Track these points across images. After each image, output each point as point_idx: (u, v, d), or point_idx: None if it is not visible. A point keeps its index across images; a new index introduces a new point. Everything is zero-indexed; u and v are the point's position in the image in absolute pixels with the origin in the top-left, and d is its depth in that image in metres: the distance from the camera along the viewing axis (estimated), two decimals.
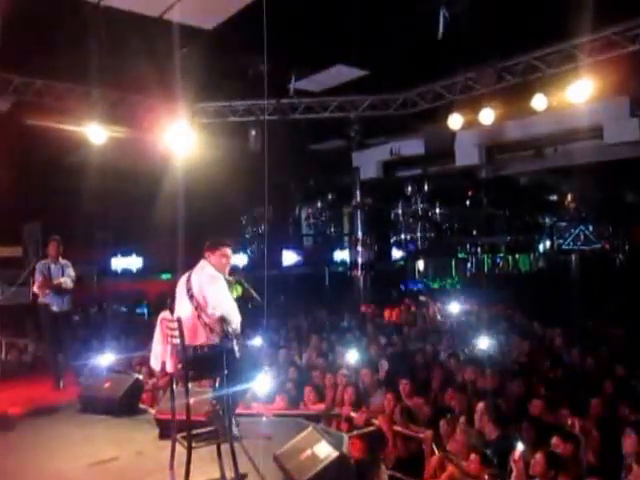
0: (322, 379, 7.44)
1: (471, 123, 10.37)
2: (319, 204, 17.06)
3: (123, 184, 13.69)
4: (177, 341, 4.19)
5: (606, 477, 4.48)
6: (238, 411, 4.75)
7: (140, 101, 10.79)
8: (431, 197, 15.18)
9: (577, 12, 7.36)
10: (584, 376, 6.97)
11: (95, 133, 9.98)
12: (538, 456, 4.48)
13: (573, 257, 16.34)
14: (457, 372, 7.38)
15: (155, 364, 4.51)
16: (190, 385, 4.30)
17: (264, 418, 5.94)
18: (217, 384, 4.41)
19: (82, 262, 10.40)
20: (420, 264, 20.03)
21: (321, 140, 14.50)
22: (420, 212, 15.07)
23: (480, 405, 5.69)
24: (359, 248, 14.00)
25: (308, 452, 4.29)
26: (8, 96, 9.72)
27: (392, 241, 16.28)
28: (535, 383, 6.68)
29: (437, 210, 15.29)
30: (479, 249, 18.62)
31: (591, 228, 15.95)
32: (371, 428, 5.99)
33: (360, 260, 13.98)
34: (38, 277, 7.38)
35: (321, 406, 6.84)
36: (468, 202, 16.83)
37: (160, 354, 4.42)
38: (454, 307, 11.66)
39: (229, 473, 4.27)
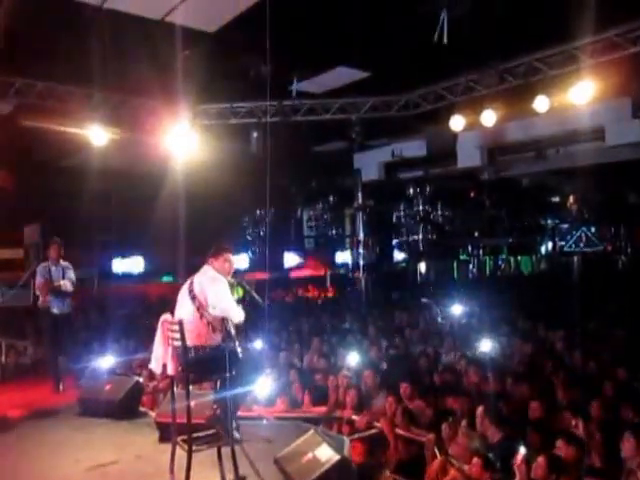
0: (324, 382, 7.41)
1: (473, 125, 10.36)
2: (321, 206, 17.06)
3: (124, 186, 13.71)
4: (178, 343, 4.18)
5: None
6: (239, 414, 4.74)
7: (142, 103, 10.79)
8: (433, 199, 15.17)
9: (579, 13, 7.35)
10: (586, 378, 6.93)
11: (97, 135, 9.98)
12: (540, 459, 4.45)
13: (575, 259, 16.30)
14: (461, 374, 7.35)
15: (156, 367, 4.50)
16: (191, 388, 4.29)
17: (265, 421, 5.93)
18: (218, 387, 4.41)
19: (83, 264, 10.41)
20: (422, 266, 19.99)
21: (323, 142, 14.50)
22: (422, 214, 15.05)
23: (480, 408, 5.67)
24: (361, 250, 13.98)
25: (309, 455, 4.27)
26: (10, 98, 9.73)
27: (394, 243, 16.26)
28: (537, 386, 6.65)
29: (439, 212, 15.27)
30: (481, 251, 18.57)
31: (593, 230, 15.90)
32: (373, 431, 5.97)
33: (362, 262, 13.96)
34: (39, 279, 7.38)
35: (322, 409, 6.81)
36: (470, 204, 16.80)
37: (161, 356, 4.41)
38: (456, 309, 11.62)
39: (230, 476, 4.25)
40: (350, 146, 13.74)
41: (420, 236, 15.19)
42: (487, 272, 19.38)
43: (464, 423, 5.54)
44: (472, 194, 16.65)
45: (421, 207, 15.06)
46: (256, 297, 4.62)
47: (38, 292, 7.36)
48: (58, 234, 7.89)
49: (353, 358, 7.99)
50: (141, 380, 6.81)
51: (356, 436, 5.77)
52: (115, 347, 8.88)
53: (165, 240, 13.59)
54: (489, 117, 9.71)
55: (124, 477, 4.61)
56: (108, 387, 6.37)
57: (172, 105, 10.17)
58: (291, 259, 18.63)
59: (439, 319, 11.25)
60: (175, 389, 4.56)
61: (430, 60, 8.97)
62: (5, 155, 9.16)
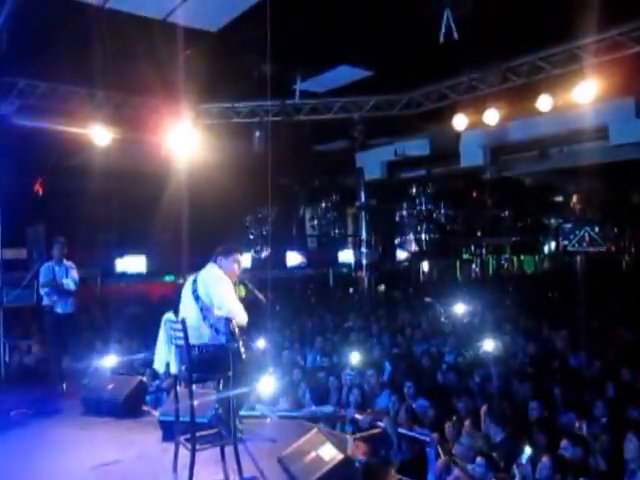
0: (327, 380, 7.41)
1: (476, 124, 10.34)
2: (323, 205, 17.04)
3: (127, 186, 13.72)
4: (181, 342, 4.18)
5: None
6: (242, 413, 4.74)
7: (144, 103, 10.79)
8: (435, 198, 15.14)
9: (582, 12, 7.32)
10: (590, 379, 6.92)
11: (99, 135, 9.99)
12: (544, 460, 4.44)
13: (578, 259, 16.27)
14: (464, 374, 7.34)
15: (159, 366, 4.51)
16: (194, 387, 4.29)
17: (268, 420, 5.93)
18: (221, 386, 4.41)
19: (86, 264, 10.42)
20: (424, 265, 19.98)
21: (325, 141, 14.49)
22: (424, 213, 15.02)
23: (483, 408, 5.67)
24: (363, 249, 13.97)
25: (313, 454, 4.28)
26: (13, 99, 9.74)
27: (396, 242, 16.24)
28: (540, 386, 6.63)
29: (442, 211, 15.24)
30: (484, 250, 18.57)
31: (597, 229, 15.85)
32: (376, 430, 5.96)
33: (364, 261, 13.94)
34: (42, 279, 7.41)
35: (325, 408, 6.81)
36: (473, 203, 16.77)
37: (164, 355, 4.41)
38: (459, 308, 11.61)
39: (233, 476, 4.25)
40: (353, 145, 13.73)
41: (423, 235, 15.16)
42: (490, 271, 19.38)
43: (468, 423, 5.53)
44: (475, 193, 16.62)
45: (424, 206, 15.03)
46: (259, 295, 4.62)
47: (42, 292, 7.38)
48: (61, 234, 7.92)
49: (356, 357, 7.99)
50: (144, 379, 6.82)
51: (359, 435, 5.76)
52: (118, 346, 8.89)
53: (167, 239, 13.59)
54: (492, 116, 9.70)
55: (127, 476, 4.62)
56: (111, 386, 6.38)
57: (174, 105, 10.17)
58: (294, 258, 18.63)
59: (442, 318, 11.24)
60: (178, 388, 4.56)
61: (433, 59, 8.95)
62: (8, 156, 9.16)
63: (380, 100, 11.59)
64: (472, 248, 18.65)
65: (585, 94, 8.54)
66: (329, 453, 4.21)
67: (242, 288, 4.54)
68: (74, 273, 7.50)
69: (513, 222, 17.37)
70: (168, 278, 15.93)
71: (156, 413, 5.97)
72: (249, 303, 4.51)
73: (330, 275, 19.01)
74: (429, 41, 7.65)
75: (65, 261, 7.53)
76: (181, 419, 4.37)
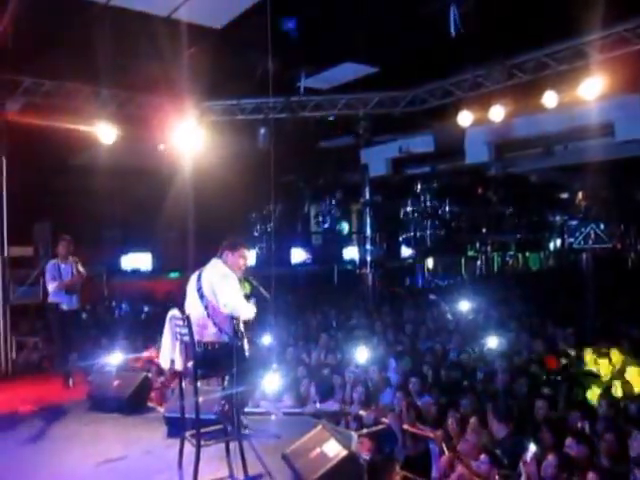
0: (331, 377, 7.42)
1: (481, 120, 10.30)
2: (328, 202, 17.03)
3: (132, 183, 13.75)
4: (186, 339, 4.19)
5: None
6: (247, 410, 4.76)
7: (148, 100, 10.80)
8: (440, 195, 15.10)
9: (588, 8, 7.29)
10: (595, 376, 6.90)
11: (104, 133, 10.01)
12: (550, 458, 4.43)
13: (584, 256, 16.20)
14: (469, 371, 7.34)
15: (164, 362, 4.52)
16: (199, 383, 4.31)
17: (273, 417, 5.94)
18: (226, 382, 4.42)
19: (92, 262, 10.45)
20: (429, 262, 19.95)
21: (330, 138, 14.47)
22: (429, 210, 14.98)
23: (488, 405, 5.66)
24: (368, 246, 13.95)
25: (317, 451, 4.28)
26: (18, 97, 9.77)
27: (401, 239, 16.22)
28: (545, 383, 6.62)
29: (446, 208, 15.19)
30: (489, 247, 18.51)
31: (602, 227, 15.77)
32: (380, 427, 5.97)
33: (369, 258, 13.93)
34: (48, 277, 7.45)
35: (330, 404, 6.82)
36: (478, 200, 16.73)
37: (169, 352, 4.43)
38: (463, 305, 11.60)
39: (238, 471, 4.27)
40: (357, 142, 13.71)
41: (428, 232, 15.13)
42: (495, 268, 19.33)
43: (473, 420, 5.53)
44: (480, 190, 16.57)
45: (429, 203, 14.99)
46: (264, 292, 4.63)
47: (49, 289, 7.43)
48: (67, 231, 7.95)
49: (360, 354, 7.99)
50: (149, 376, 6.85)
51: (364, 431, 5.77)
52: (123, 343, 8.92)
53: (172, 237, 13.64)
54: (497, 113, 9.66)
55: (133, 472, 4.64)
56: (117, 383, 6.41)
57: (179, 102, 10.18)
58: (298, 255, 18.64)
59: (448, 315, 11.22)
60: (183, 384, 4.58)
61: (438, 55, 8.93)
62: (14, 154, 9.20)
63: (385, 97, 11.57)
64: (477, 245, 18.59)
65: (591, 90, 8.50)
66: (333, 449, 4.21)
67: (247, 285, 4.53)
68: (80, 267, 7.55)
69: (518, 219, 17.31)
70: (173, 275, 15.97)
71: (161, 409, 6.00)
72: (254, 299, 4.51)
73: (335, 272, 19.01)
74: (434, 38, 7.64)
75: (71, 258, 7.56)
76: (186, 415, 4.39)
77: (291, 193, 17.20)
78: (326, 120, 11.89)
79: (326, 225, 16.80)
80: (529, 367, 7.29)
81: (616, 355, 6.89)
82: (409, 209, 15.34)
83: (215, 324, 4.27)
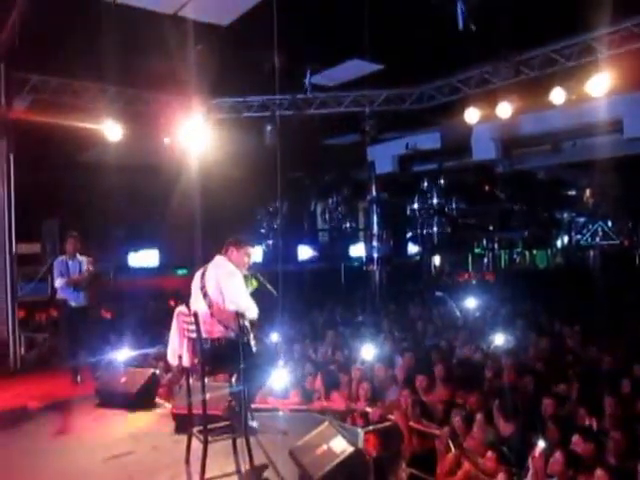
0: (338, 374, 7.43)
1: (488, 117, 10.28)
2: (335, 199, 17.03)
3: (140, 181, 13.79)
4: (194, 335, 4.21)
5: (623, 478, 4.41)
6: (254, 406, 4.77)
7: (155, 98, 10.84)
8: (447, 192, 15.07)
9: (596, 4, 7.25)
10: (602, 374, 6.88)
11: (111, 130, 10.05)
12: (557, 455, 4.42)
13: (592, 253, 16.14)
14: (476, 368, 7.33)
15: (172, 358, 4.54)
16: (206, 380, 4.32)
17: (280, 413, 5.96)
18: (233, 379, 4.44)
19: (99, 259, 10.49)
20: (436, 259, 19.91)
21: (336, 135, 14.47)
22: (436, 207, 14.96)
23: (495, 402, 5.65)
24: (375, 243, 13.95)
25: (324, 447, 4.29)
26: (26, 95, 9.82)
27: (408, 236, 16.20)
28: (552, 381, 6.60)
29: (453, 205, 15.17)
30: (496, 244, 18.45)
31: (610, 224, 15.71)
32: (386, 424, 5.98)
33: (376, 255, 13.93)
34: (56, 273, 7.50)
35: (337, 401, 6.83)
36: (485, 197, 16.68)
37: (177, 348, 4.44)
38: (470, 303, 11.58)
39: (245, 467, 4.28)
40: (364, 139, 13.70)
41: (434, 229, 15.11)
42: (502, 266, 19.26)
43: (479, 417, 5.53)
44: (487, 187, 16.52)
45: (435, 200, 14.97)
46: (270, 288, 4.63)
47: (57, 285, 7.47)
48: (75, 228, 7.99)
49: (367, 351, 8.00)
50: (157, 372, 6.88)
51: (370, 428, 5.78)
52: (131, 340, 8.96)
53: (180, 234, 13.66)
54: (504, 109, 9.63)
55: (141, 467, 4.66)
56: (125, 379, 6.43)
57: (185, 99, 10.21)
58: (305, 252, 18.65)
59: (457, 312, 11.19)
60: (191, 381, 4.60)
61: (444, 52, 8.90)
62: (22, 151, 9.26)
63: (391, 94, 11.55)
64: (484, 242, 18.53)
65: (599, 87, 8.45)
66: (340, 446, 4.22)
67: (253, 281, 4.54)
68: (88, 265, 7.59)
69: (525, 216, 17.24)
70: (180, 272, 16.01)
71: (169, 405, 6.03)
72: (260, 296, 4.52)
73: (342, 269, 19.01)
74: (441, 34, 7.62)
75: (78, 255, 7.60)
76: (194, 412, 4.40)
77: (298, 190, 17.21)
78: (332, 117, 11.88)
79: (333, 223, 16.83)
80: (535, 365, 7.28)
81: None
82: (416, 206, 15.34)
83: (220, 322, 4.28)
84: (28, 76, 9.69)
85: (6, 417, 5.91)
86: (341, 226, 17.53)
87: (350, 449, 4.16)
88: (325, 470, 4.06)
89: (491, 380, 6.87)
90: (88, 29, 7.73)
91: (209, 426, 4.24)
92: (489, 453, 4.83)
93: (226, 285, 4.29)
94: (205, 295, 4.32)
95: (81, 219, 11.15)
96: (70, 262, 7.51)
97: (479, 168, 14.45)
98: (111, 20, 7.62)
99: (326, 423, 4.68)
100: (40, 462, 4.79)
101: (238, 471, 4.32)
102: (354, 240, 18.37)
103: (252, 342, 4.29)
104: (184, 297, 4.65)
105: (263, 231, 17.40)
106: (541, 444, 4.58)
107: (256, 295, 4.49)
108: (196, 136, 10.26)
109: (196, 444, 4.31)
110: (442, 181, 14.95)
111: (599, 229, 15.77)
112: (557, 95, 9.01)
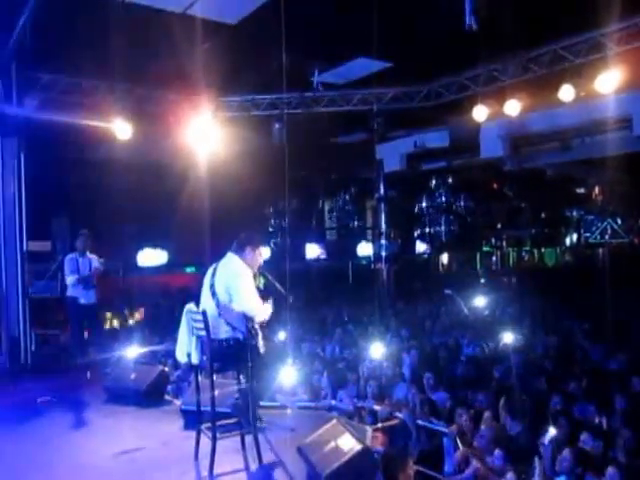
0: (346, 372, 7.45)
1: (496, 115, 10.23)
2: (342, 197, 17.02)
3: (148, 179, 13.84)
4: (202, 333, 4.23)
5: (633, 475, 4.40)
6: (262, 403, 4.79)
7: (164, 96, 10.87)
8: (455, 190, 15.03)
9: (605, 0, 7.20)
10: (611, 372, 6.85)
11: (121, 129, 10.09)
12: (565, 452, 4.42)
13: (600, 251, 16.04)
14: (484, 366, 7.33)
15: (181, 356, 4.56)
16: (215, 377, 4.35)
17: (288, 410, 5.98)
18: (242, 376, 4.46)
19: (109, 257, 10.56)
20: (444, 258, 19.87)
21: (344, 133, 14.46)
22: (444, 205, 14.93)
23: (502, 400, 5.65)
24: (383, 241, 13.94)
25: (332, 444, 4.30)
26: (36, 94, 9.88)
27: (416, 234, 16.18)
28: (561, 379, 6.59)
29: (462, 203, 15.13)
30: (504, 242, 18.39)
31: (619, 221, 15.60)
32: (394, 421, 5.99)
33: (384, 253, 13.92)
34: (66, 271, 7.56)
35: (344, 398, 6.85)
36: (493, 195, 16.62)
37: (186, 346, 4.47)
38: (478, 301, 11.56)
39: (253, 464, 4.31)
40: (372, 137, 13.67)
41: (443, 227, 15.08)
42: (510, 264, 19.21)
43: (487, 414, 5.53)
44: (495, 185, 16.47)
45: (444, 198, 14.94)
46: (278, 287, 4.64)
47: (67, 283, 7.54)
48: (84, 226, 8.05)
49: (375, 349, 8.00)
50: (166, 369, 6.92)
51: (378, 426, 5.79)
52: (140, 337, 9.02)
53: (188, 232, 13.69)
54: (513, 107, 9.59)
55: (150, 463, 4.70)
56: (134, 376, 6.48)
57: (194, 98, 10.23)
58: (313, 250, 18.66)
59: (465, 310, 11.18)
60: (199, 378, 4.62)
61: (452, 49, 8.87)
62: (32, 150, 9.32)
63: (399, 92, 11.52)
64: (492, 240, 18.48)
65: (608, 84, 8.39)
66: (348, 443, 4.24)
67: (261, 279, 4.56)
68: (97, 263, 7.64)
69: (534, 214, 17.18)
70: (189, 269, 16.08)
71: (178, 402, 6.07)
72: (269, 294, 4.52)
73: (349, 267, 19.00)
74: (449, 31, 7.59)
75: (89, 253, 7.67)
76: (202, 409, 4.43)
77: (305, 188, 17.20)
78: (341, 115, 11.87)
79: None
80: (544, 363, 7.26)
81: None
82: (424, 204, 15.30)
83: (227, 322, 4.28)
84: (38, 75, 9.75)
85: (17, 413, 5.97)
86: (349, 224, 17.52)
87: (358, 446, 4.18)
88: (333, 467, 4.08)
89: (499, 378, 6.87)
90: (97, 28, 7.76)
91: (218, 423, 4.27)
92: (497, 451, 4.84)
93: (234, 286, 4.29)
94: (214, 294, 4.33)
95: (91, 217, 11.21)
96: (80, 259, 7.58)
97: (487, 166, 14.38)
98: (120, 19, 7.65)
99: (334, 420, 4.69)
100: (51, 458, 4.84)
101: (246, 468, 4.35)
102: (362, 238, 18.36)
103: (260, 343, 4.28)
104: (193, 295, 4.67)
105: (271, 229, 17.43)
106: (552, 431, 4.55)
107: (264, 294, 4.49)
108: (205, 134, 10.28)
109: (205, 441, 4.34)
110: (450, 179, 14.91)
111: (608, 227, 15.67)
112: (566, 92, 8.95)
